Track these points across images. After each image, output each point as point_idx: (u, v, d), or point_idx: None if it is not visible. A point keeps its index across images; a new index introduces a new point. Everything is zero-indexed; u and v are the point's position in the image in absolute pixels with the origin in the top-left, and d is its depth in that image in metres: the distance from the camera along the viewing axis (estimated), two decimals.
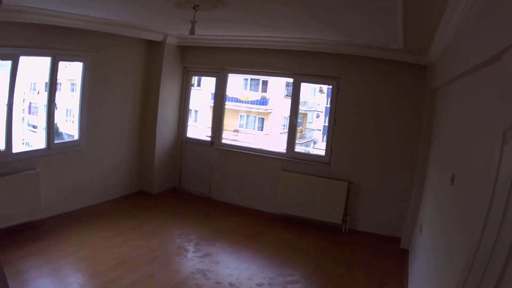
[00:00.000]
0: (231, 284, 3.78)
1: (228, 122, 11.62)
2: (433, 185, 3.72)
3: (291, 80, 5.91)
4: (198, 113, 13.00)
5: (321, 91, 15.42)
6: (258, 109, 15.41)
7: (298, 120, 5.78)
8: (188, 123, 6.81)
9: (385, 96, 5.32)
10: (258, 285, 3.82)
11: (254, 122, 15.32)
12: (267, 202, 5.87)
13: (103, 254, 4.06)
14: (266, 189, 5.90)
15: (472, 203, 1.76)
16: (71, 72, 5.52)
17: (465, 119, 2.44)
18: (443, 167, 3.09)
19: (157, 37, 5.89)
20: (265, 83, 15.16)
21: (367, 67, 5.31)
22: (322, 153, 5.78)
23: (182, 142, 6.70)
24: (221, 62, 6.19)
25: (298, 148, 6.96)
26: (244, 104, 14.85)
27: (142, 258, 4.10)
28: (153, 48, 6.08)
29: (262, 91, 15.25)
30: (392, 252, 4.92)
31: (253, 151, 6.23)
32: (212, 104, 6.68)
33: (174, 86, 6.44)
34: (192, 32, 3.62)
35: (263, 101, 15.30)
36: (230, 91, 11.25)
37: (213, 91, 6.52)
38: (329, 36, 4.88)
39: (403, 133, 5.24)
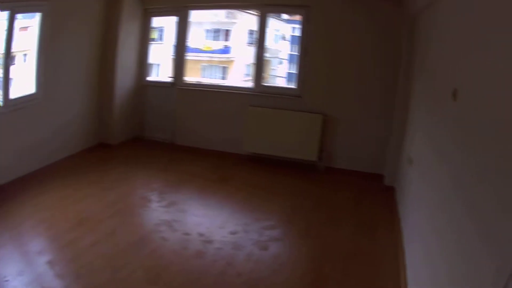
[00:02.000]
0: (200, 235, 3.36)
1: (191, 73, 11.28)
2: (423, 110, 3.35)
3: (254, 27, 5.41)
4: (160, 67, 12.31)
5: (283, 38, 14.91)
6: (220, 58, 14.86)
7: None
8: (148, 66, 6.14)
9: (359, 25, 4.87)
10: (231, 233, 3.42)
11: (217, 72, 14.85)
12: (236, 143, 5.42)
13: (62, 214, 3.57)
14: (234, 128, 5.44)
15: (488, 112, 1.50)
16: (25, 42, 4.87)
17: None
18: (438, 86, 2.70)
19: None
20: (227, 32, 14.62)
21: None
22: (293, 85, 5.30)
23: (143, 86, 6.05)
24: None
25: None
26: (206, 54, 14.30)
27: (103, 213, 3.65)
28: None
29: (224, 40, 14.73)
30: (377, 191, 4.60)
31: (218, 88, 5.65)
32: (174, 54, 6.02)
33: (133, 30, 5.78)
34: None
35: (225, 50, 14.76)
36: (191, 42, 10.61)
37: (175, 36, 5.80)
38: None
39: (381, 60, 4.83)
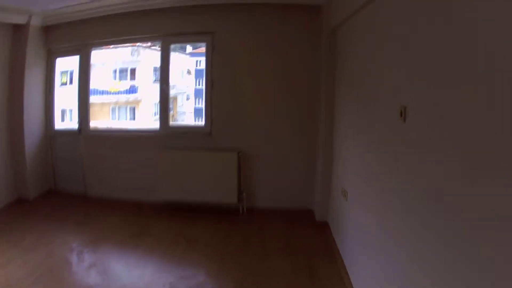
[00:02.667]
0: None
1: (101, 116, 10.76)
2: (353, 135, 3.27)
3: (158, 55, 5.11)
4: (72, 112, 11.49)
5: (189, 72, 14.96)
6: (128, 98, 14.35)
7: (170, 106, 5.17)
8: (55, 113, 5.73)
9: (272, 46, 4.64)
10: None
11: (126, 113, 14.25)
12: (151, 191, 5.01)
13: None
14: (147, 175, 5.08)
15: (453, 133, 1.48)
16: None
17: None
18: (376, 107, 2.59)
19: (21, 19, 4.92)
20: (133, 71, 14.26)
21: (248, 14, 4.65)
22: (202, 123, 5.05)
23: (52, 134, 5.64)
24: (85, 36, 5.26)
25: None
26: (114, 96, 13.73)
27: (27, 278, 3.29)
28: (17, 33, 5.05)
29: (130, 79, 14.30)
30: (308, 227, 4.41)
31: (125, 132, 5.43)
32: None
33: (39, 74, 5.39)
34: None
35: (133, 90, 14.32)
36: (99, 84, 9.98)
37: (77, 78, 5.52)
38: None
39: (300, 85, 4.65)
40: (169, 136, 5.03)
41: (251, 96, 4.81)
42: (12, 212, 4.89)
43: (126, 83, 13.99)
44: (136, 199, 5.19)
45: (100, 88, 11.83)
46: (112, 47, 7.98)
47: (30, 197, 5.30)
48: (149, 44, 11.16)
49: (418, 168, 1.80)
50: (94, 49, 5.38)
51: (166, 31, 4.93)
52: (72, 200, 5.36)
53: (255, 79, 4.78)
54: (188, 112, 13.61)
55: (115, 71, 13.87)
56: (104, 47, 5.88)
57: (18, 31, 5.02)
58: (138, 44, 11.74)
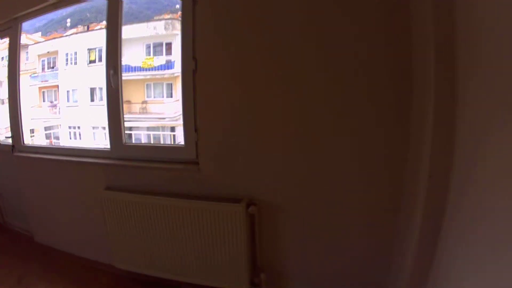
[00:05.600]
0: None
1: (135, 94, 8.99)
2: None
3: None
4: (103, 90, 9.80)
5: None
6: (164, 74, 12.83)
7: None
8: None
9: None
10: None
11: (163, 89, 12.85)
12: (105, 248, 3.04)
13: None
14: (95, 223, 3.04)
15: None
16: None
17: None
18: None
19: None
20: (168, 46, 12.67)
21: None
22: (181, 140, 2.70)
23: None
24: (11, 8, 3.32)
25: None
26: (149, 72, 12.35)
27: None
28: None
29: (166, 55, 12.74)
30: None
31: (64, 155, 3.18)
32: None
33: None
34: None
35: (169, 65, 12.69)
36: (130, 60, 8.19)
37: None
38: None
39: (375, 75, 2.08)
40: (123, 164, 2.82)
41: (279, 94, 2.30)
42: None
43: (162, 59, 12.64)
44: (90, 257, 3.27)
45: (133, 65, 10.47)
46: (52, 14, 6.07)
47: None
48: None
49: None
50: (25, 22, 3.48)
51: None
52: (16, 245, 3.70)
53: (271, 61, 2.29)
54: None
55: (148, 46, 12.53)
56: (35, 17, 3.93)
57: None
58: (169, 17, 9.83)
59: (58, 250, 3.47)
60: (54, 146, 3.34)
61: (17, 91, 3.44)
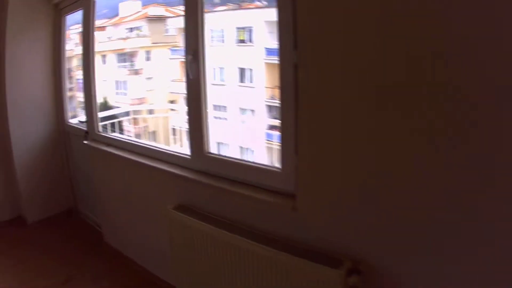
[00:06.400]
0: None
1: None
2: None
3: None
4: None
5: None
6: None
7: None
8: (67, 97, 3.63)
9: None
10: None
11: None
12: (162, 266, 2.62)
13: None
14: (159, 240, 2.52)
15: None
16: None
17: None
18: None
19: None
20: None
21: None
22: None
23: (64, 132, 3.69)
24: None
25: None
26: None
27: None
28: None
29: None
30: None
31: (138, 155, 2.61)
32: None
33: (39, 43, 3.43)
34: None
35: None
36: (270, 44, 7.46)
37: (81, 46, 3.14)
38: None
39: None
40: (201, 182, 2.13)
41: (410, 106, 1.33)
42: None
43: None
44: (151, 270, 2.78)
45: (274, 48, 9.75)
46: None
47: (31, 219, 3.64)
48: None
49: None
50: None
51: None
52: (81, 238, 3.39)
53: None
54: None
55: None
56: None
57: None
58: None
59: (125, 256, 3.03)
60: (129, 141, 2.79)
61: (91, 75, 2.98)
